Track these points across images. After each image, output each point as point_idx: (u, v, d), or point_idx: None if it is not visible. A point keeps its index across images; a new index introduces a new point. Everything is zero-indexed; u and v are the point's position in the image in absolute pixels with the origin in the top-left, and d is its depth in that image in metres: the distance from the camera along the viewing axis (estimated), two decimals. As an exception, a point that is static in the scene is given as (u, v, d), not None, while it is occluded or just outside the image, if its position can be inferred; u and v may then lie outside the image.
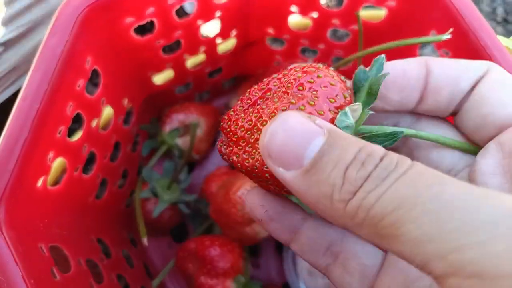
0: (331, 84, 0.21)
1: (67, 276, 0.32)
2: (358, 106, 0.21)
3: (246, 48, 0.49)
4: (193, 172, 0.55)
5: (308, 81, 0.21)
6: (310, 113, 0.20)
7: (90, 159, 0.38)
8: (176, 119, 0.50)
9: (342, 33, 0.60)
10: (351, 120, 0.21)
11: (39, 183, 0.31)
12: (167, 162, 0.49)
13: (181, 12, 0.41)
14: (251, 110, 0.22)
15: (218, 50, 0.47)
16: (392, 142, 0.21)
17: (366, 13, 0.42)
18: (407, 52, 0.42)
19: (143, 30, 0.38)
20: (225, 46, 0.47)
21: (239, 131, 0.22)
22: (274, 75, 0.24)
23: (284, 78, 0.22)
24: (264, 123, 0.21)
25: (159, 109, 0.51)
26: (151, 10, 0.36)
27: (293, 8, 0.42)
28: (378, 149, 0.17)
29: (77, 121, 0.35)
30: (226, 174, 0.50)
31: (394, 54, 0.42)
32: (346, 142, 0.17)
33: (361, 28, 0.39)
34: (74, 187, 0.36)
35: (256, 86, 0.24)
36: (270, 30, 0.47)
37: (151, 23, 0.38)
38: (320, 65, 0.22)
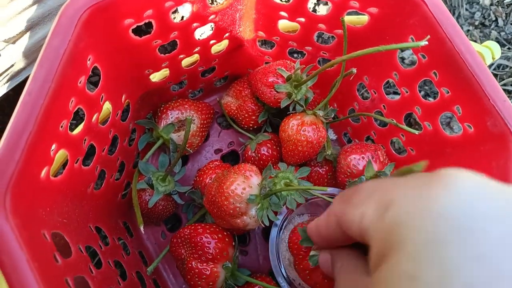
0: None
1: (68, 261, 0.34)
2: None
3: (237, 49, 0.52)
4: (187, 165, 0.58)
5: None
6: None
7: (90, 152, 0.41)
8: (171, 114, 0.52)
9: (328, 36, 0.62)
10: None
11: (43, 173, 0.33)
12: (162, 156, 0.52)
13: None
14: None
15: (211, 51, 0.49)
16: None
17: (350, 19, 0.45)
18: (388, 55, 0.45)
19: (141, 30, 0.40)
20: (218, 47, 0.49)
21: None
22: None
23: None
24: None
25: (154, 105, 0.54)
26: (149, 12, 0.38)
27: (283, 13, 0.45)
28: None
29: (76, 116, 0.38)
30: (218, 167, 0.52)
31: (376, 57, 0.45)
32: None
33: (346, 33, 0.41)
34: (75, 178, 0.38)
35: None
36: (261, 33, 0.49)
37: (149, 24, 0.40)
38: None
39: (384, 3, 0.40)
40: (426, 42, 0.33)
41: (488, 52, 0.40)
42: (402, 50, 0.59)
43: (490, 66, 0.62)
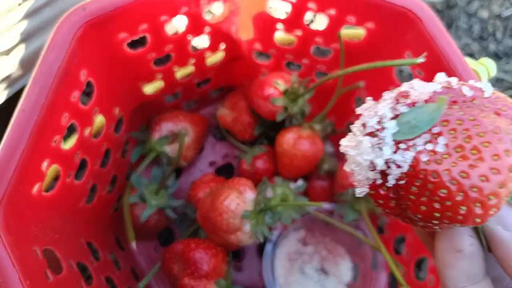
0: None
1: (59, 277, 0.34)
2: None
3: (233, 61, 0.52)
4: (180, 178, 0.57)
5: None
6: None
7: (82, 166, 0.40)
8: (165, 127, 0.51)
9: (325, 49, 0.62)
10: None
11: (35, 189, 0.33)
12: (155, 169, 0.51)
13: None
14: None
15: (206, 63, 0.49)
16: None
17: (347, 32, 0.45)
18: (385, 70, 0.45)
19: (135, 43, 0.40)
20: (213, 59, 0.49)
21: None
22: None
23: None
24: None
25: (148, 117, 0.53)
26: (144, 26, 0.38)
27: (279, 25, 0.45)
28: None
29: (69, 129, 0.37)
30: (212, 181, 0.52)
31: (373, 71, 0.45)
32: None
33: (343, 48, 0.41)
34: (67, 193, 0.38)
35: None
36: (257, 45, 0.49)
37: (144, 37, 0.40)
38: None
39: (381, 19, 0.40)
40: (423, 60, 0.33)
41: (483, 69, 0.40)
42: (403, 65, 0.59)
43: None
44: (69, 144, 0.38)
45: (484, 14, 0.66)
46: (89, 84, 0.39)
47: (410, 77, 0.42)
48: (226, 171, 0.59)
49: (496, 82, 0.62)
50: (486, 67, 0.40)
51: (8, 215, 0.29)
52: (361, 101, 0.52)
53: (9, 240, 0.28)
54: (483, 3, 0.66)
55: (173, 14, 0.38)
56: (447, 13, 0.67)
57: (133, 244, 0.44)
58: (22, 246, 0.30)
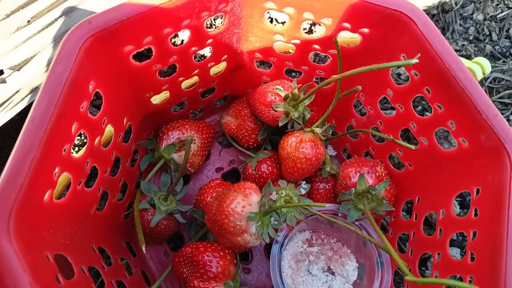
0: None
1: (71, 282, 0.34)
2: None
3: (236, 70, 0.53)
4: (188, 184, 0.59)
5: None
6: None
7: (92, 174, 0.42)
8: (172, 135, 0.53)
9: (324, 54, 0.64)
10: None
11: (46, 196, 0.34)
12: (164, 175, 0.52)
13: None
14: None
15: (210, 73, 0.50)
16: None
17: (344, 38, 0.46)
18: (381, 73, 0.46)
19: (142, 54, 0.42)
20: (217, 68, 0.51)
21: None
22: None
23: None
24: None
25: (156, 126, 0.55)
26: (148, 39, 0.39)
27: (278, 36, 0.46)
28: None
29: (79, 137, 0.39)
30: (219, 186, 0.53)
31: (370, 75, 0.47)
32: None
33: (340, 53, 0.42)
34: (77, 200, 0.39)
35: None
36: (258, 54, 0.51)
37: (149, 48, 0.42)
38: None
39: (375, 24, 0.41)
40: (417, 61, 0.34)
41: (478, 68, 0.41)
42: (398, 67, 0.60)
43: (486, 79, 0.63)
44: (79, 152, 0.39)
45: (480, 16, 0.67)
46: (98, 96, 0.40)
47: (408, 80, 0.43)
48: (232, 176, 0.61)
49: (494, 82, 0.63)
50: (481, 65, 0.41)
51: (20, 221, 0.30)
52: (360, 104, 0.53)
53: (20, 246, 0.29)
54: (478, 6, 0.67)
55: (176, 26, 0.40)
56: (443, 17, 0.68)
57: (143, 248, 0.45)
58: (33, 252, 0.31)
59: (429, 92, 0.42)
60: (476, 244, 0.37)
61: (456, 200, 0.58)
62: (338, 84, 0.46)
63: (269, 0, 0.42)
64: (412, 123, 0.46)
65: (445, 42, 0.40)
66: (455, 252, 0.55)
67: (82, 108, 0.37)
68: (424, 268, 0.54)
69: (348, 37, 0.46)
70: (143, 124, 0.52)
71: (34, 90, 0.48)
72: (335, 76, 0.41)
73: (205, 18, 0.42)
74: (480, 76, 0.40)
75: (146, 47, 0.40)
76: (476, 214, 0.38)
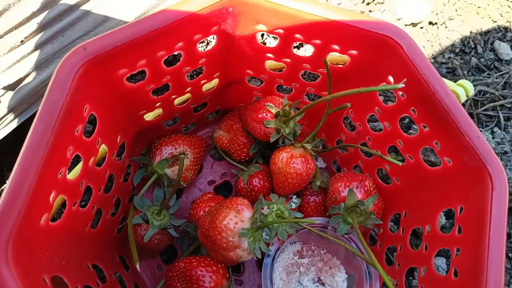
0: None
1: (67, 302, 0.35)
2: None
3: (228, 86, 0.54)
4: (181, 198, 0.60)
5: None
6: None
7: (86, 192, 0.42)
8: (165, 150, 0.54)
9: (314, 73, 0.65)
10: None
11: (42, 220, 0.35)
12: (157, 190, 0.53)
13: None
14: None
15: (202, 89, 0.51)
16: None
17: (333, 57, 0.47)
18: (369, 93, 0.47)
19: (135, 75, 0.42)
20: (209, 85, 0.52)
21: None
22: None
23: None
24: None
25: (148, 141, 0.55)
26: (142, 62, 0.40)
27: (269, 54, 0.47)
28: None
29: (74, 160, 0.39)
30: (211, 200, 0.54)
31: (358, 95, 0.48)
32: None
33: (329, 74, 0.44)
34: (72, 220, 0.40)
35: None
36: (249, 71, 0.52)
37: (142, 71, 0.42)
38: None
39: (363, 46, 0.42)
40: (403, 85, 0.35)
41: (462, 91, 0.42)
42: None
43: (471, 92, 0.64)
44: (73, 174, 0.40)
45: (465, 29, 0.69)
46: (91, 114, 0.41)
47: (395, 98, 0.45)
48: (224, 189, 0.62)
49: (479, 94, 0.64)
50: (465, 88, 0.43)
51: (18, 246, 0.30)
52: (349, 119, 0.54)
53: (18, 271, 0.30)
54: (464, 19, 0.69)
55: (169, 49, 0.41)
56: (429, 30, 0.69)
57: (138, 266, 0.46)
58: (31, 276, 0.31)
59: (415, 113, 0.43)
60: (460, 260, 0.39)
61: (443, 212, 0.60)
62: (327, 102, 0.47)
63: (260, 23, 0.43)
64: (399, 141, 0.47)
65: (430, 66, 0.41)
66: (440, 262, 0.57)
67: (77, 131, 0.38)
68: (411, 278, 0.55)
69: (337, 55, 0.47)
70: (136, 140, 0.52)
71: (27, 109, 0.49)
72: (325, 97, 0.42)
73: (198, 40, 0.43)
74: (463, 98, 0.42)
75: (140, 69, 0.41)
76: (460, 231, 0.40)
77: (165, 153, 0.53)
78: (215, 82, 0.52)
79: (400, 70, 0.42)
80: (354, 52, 0.43)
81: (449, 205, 0.43)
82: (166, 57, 0.41)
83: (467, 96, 0.42)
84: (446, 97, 0.40)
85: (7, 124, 0.48)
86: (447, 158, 0.42)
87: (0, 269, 0.30)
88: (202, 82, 0.50)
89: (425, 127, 0.43)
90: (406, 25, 0.69)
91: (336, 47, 0.43)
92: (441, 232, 0.43)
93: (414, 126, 0.61)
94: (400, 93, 0.44)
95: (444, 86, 0.40)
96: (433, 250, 0.43)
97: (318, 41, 0.43)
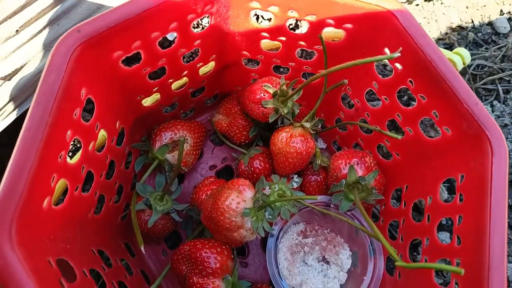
0: None
1: (73, 285, 0.35)
2: None
3: (224, 69, 0.54)
4: (183, 183, 0.60)
5: None
6: None
7: (88, 178, 0.43)
8: (165, 136, 0.54)
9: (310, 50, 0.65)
10: None
11: (45, 203, 0.35)
12: (159, 176, 0.53)
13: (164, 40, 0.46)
14: None
15: (199, 73, 0.51)
16: None
17: (329, 34, 0.47)
18: (366, 66, 0.47)
19: (131, 58, 0.42)
20: (206, 68, 0.52)
21: None
22: None
23: None
24: None
25: (148, 128, 0.55)
26: (137, 43, 0.40)
27: (264, 34, 0.47)
28: None
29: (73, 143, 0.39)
30: (213, 183, 0.54)
31: (355, 69, 0.48)
32: None
33: (325, 49, 0.43)
34: (75, 205, 0.40)
35: None
36: (245, 53, 0.52)
37: (138, 53, 0.42)
38: None
39: (357, 19, 0.42)
40: (399, 54, 0.35)
41: (459, 58, 0.42)
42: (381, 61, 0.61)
43: (469, 67, 0.64)
44: (74, 158, 0.40)
45: (462, 4, 0.68)
46: (90, 101, 0.41)
47: (392, 71, 0.45)
48: (226, 173, 0.62)
49: (478, 68, 0.64)
50: (461, 55, 0.43)
51: (21, 229, 0.31)
52: (347, 97, 0.54)
53: (23, 253, 0.30)
54: (460, -6, 0.69)
55: (163, 30, 0.41)
56: (425, 7, 0.69)
57: (142, 248, 0.46)
58: (36, 258, 0.32)
59: (412, 84, 0.43)
60: (462, 228, 0.39)
61: (444, 186, 0.60)
62: (325, 79, 0.47)
63: (254, 0, 0.43)
64: (398, 114, 0.47)
65: (426, 35, 0.41)
66: (444, 236, 0.57)
67: (75, 115, 0.38)
68: (415, 253, 0.55)
69: (332, 32, 0.47)
70: (136, 127, 0.52)
71: (26, 100, 0.49)
72: (321, 71, 0.42)
73: (192, 20, 0.43)
74: (460, 66, 0.42)
75: (135, 51, 0.41)
76: (461, 200, 0.40)
77: (165, 139, 0.54)
78: (211, 65, 0.52)
79: (396, 41, 0.42)
80: (349, 25, 0.43)
81: (450, 174, 0.43)
82: (161, 38, 0.41)
83: (464, 63, 0.42)
84: (443, 65, 0.40)
85: (6, 116, 0.48)
86: (446, 127, 0.42)
87: (5, 250, 0.30)
88: (199, 65, 0.50)
89: (423, 97, 0.43)
90: (401, 2, 0.69)
91: (331, 21, 0.43)
92: (442, 202, 0.43)
93: (413, 103, 0.61)
94: (397, 64, 0.44)
95: (440, 54, 0.40)
96: (436, 220, 0.43)
97: (312, 17, 0.43)
